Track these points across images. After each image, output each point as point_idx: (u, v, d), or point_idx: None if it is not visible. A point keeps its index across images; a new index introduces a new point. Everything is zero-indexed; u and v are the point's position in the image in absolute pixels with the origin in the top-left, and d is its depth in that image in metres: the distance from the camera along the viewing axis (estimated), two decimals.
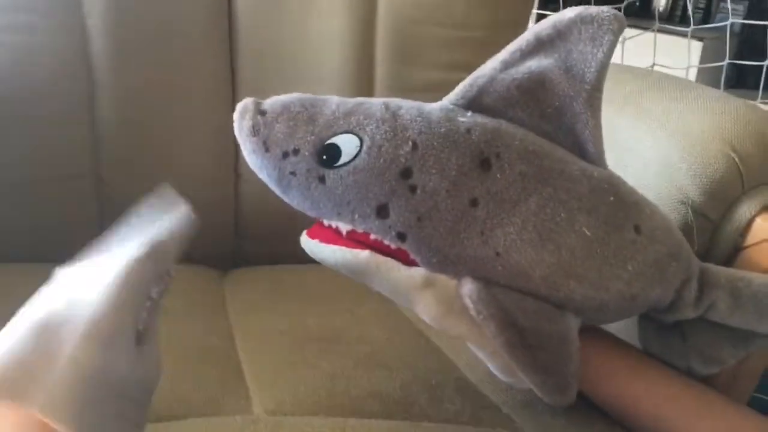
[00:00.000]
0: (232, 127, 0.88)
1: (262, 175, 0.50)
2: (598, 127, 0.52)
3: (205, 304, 0.73)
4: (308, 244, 0.52)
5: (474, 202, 0.47)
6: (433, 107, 0.51)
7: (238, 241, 0.89)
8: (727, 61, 1.14)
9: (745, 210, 0.59)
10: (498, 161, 0.48)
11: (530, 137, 0.51)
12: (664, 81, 0.75)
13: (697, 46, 1.71)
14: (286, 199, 0.51)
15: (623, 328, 0.66)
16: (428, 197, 0.47)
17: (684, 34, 1.27)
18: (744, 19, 1.74)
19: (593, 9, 0.50)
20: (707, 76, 1.56)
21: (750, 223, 0.59)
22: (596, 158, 0.53)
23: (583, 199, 0.49)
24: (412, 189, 0.47)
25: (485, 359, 0.54)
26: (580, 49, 0.50)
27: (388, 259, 0.48)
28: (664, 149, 0.64)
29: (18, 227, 0.80)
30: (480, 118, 0.50)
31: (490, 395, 0.60)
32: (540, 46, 0.51)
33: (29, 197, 0.80)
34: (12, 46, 0.78)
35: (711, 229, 0.61)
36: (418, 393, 0.58)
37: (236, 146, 0.88)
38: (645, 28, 1.29)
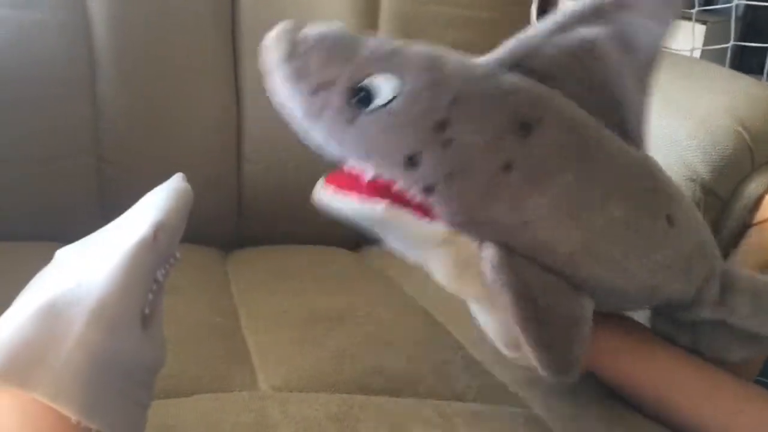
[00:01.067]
0: (234, 106, 0.88)
1: (290, 106, 0.47)
2: (644, 106, 0.50)
3: (209, 284, 0.73)
4: (322, 195, 0.48)
5: (508, 167, 0.45)
6: (478, 62, 0.48)
7: (240, 221, 0.88)
8: (732, 42, 1.13)
9: (754, 187, 0.59)
10: (539, 127, 0.46)
11: (573, 108, 0.48)
12: (671, 59, 0.75)
13: (700, 30, 1.69)
14: (307, 137, 0.48)
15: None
16: (462, 153, 0.44)
17: (687, 17, 1.26)
18: (748, 0, 1.72)
19: None
20: (710, 60, 1.55)
21: (759, 200, 0.59)
22: (637, 139, 0.50)
23: (619, 181, 0.47)
24: (447, 143, 0.44)
25: (491, 330, 0.53)
26: (639, 23, 0.48)
27: (406, 212, 0.46)
28: (672, 126, 0.64)
29: (20, 205, 0.80)
30: (524, 81, 0.48)
31: (497, 374, 0.60)
32: (599, 13, 0.49)
33: (31, 176, 0.79)
34: (12, 23, 0.77)
35: (719, 207, 0.61)
36: (424, 370, 0.57)
37: (239, 125, 0.88)
38: None
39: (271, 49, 0.46)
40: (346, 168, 0.47)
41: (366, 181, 0.46)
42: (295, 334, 0.61)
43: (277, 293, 0.71)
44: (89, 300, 0.35)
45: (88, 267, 0.37)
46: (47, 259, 0.79)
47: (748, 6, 1.72)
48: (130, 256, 0.37)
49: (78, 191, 0.81)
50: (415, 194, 0.45)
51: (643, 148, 0.51)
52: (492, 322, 0.51)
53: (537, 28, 0.49)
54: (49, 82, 0.78)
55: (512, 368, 0.60)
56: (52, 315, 0.35)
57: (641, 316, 0.63)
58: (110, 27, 0.79)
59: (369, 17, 0.87)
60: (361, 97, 0.45)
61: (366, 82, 0.45)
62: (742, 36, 1.85)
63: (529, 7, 1.07)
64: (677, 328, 0.57)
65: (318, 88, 0.45)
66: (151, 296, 0.39)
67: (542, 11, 1.05)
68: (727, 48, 1.22)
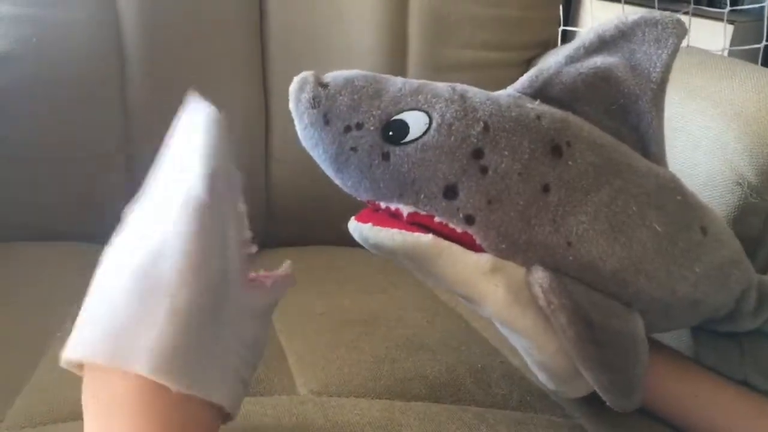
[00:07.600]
0: (262, 108, 0.87)
1: (317, 152, 0.48)
2: (661, 127, 0.51)
3: None
4: (360, 228, 0.49)
5: (546, 188, 0.46)
6: (500, 93, 0.50)
7: (269, 221, 0.88)
8: (764, 42, 1.11)
9: None
10: (569, 149, 0.47)
11: (597, 131, 0.49)
12: (711, 59, 0.73)
13: (728, 30, 1.68)
14: (338, 179, 0.48)
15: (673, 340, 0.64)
16: (500, 179, 0.45)
17: (714, 17, 1.25)
18: None
19: (657, 13, 0.51)
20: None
21: None
22: (658, 158, 0.51)
23: (652, 195, 0.48)
24: (483, 170, 0.45)
25: (537, 363, 0.51)
26: (644, 50, 0.50)
27: (453, 243, 0.46)
28: (717, 128, 0.62)
29: (49, 204, 0.79)
30: (547, 108, 0.49)
31: (536, 381, 0.59)
32: (603, 45, 0.51)
33: (61, 176, 0.79)
34: (43, 22, 0.76)
35: (767, 211, 0.59)
36: (464, 376, 0.56)
37: (267, 127, 0.87)
38: (676, 11, 1.27)
39: (295, 97, 0.47)
40: (382, 206, 0.48)
41: (404, 217, 0.46)
42: (331, 338, 0.61)
43: (309, 295, 0.70)
44: (172, 270, 0.35)
45: (164, 232, 0.36)
46: (75, 258, 0.78)
47: None
48: (196, 219, 0.37)
49: (108, 191, 0.80)
50: (457, 225, 0.45)
51: (665, 165, 0.52)
52: (545, 354, 0.49)
53: (549, 60, 0.51)
54: (79, 81, 0.78)
55: None
56: (141, 287, 0.35)
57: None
58: (140, 26, 0.79)
59: (398, 17, 0.86)
60: (394, 132, 0.46)
61: (398, 116, 0.46)
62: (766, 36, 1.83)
63: (558, 6, 1.06)
64: (724, 346, 0.56)
65: (348, 128, 0.46)
66: (234, 259, 0.39)
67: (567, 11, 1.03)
68: (753, 48, 1.21)
